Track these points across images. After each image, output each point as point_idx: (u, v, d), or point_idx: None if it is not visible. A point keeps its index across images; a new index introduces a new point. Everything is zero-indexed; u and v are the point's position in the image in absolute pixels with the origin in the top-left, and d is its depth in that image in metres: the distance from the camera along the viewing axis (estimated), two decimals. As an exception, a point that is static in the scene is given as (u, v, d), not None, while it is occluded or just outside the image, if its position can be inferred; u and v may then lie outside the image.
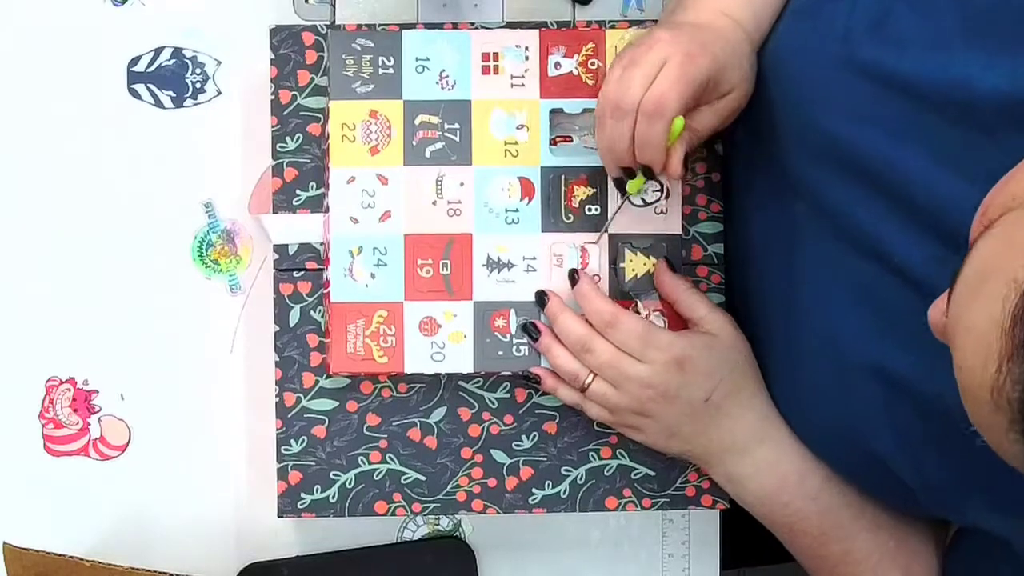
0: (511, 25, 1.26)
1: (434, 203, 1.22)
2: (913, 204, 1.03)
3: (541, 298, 1.21)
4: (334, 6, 1.28)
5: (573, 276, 1.21)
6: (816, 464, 1.20)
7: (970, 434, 0.82)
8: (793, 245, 1.16)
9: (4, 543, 1.22)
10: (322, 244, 1.24)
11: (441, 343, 1.22)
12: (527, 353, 1.22)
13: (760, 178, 1.21)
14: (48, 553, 1.21)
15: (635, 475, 1.26)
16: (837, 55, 1.07)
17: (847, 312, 1.11)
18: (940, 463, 1.07)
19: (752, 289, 1.24)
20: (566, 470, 1.26)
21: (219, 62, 1.29)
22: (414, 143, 1.22)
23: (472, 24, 1.26)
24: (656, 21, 1.25)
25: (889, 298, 1.07)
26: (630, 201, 1.22)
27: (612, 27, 1.24)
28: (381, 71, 1.22)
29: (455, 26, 1.25)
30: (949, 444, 1.03)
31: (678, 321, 1.22)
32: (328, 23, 1.27)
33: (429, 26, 1.25)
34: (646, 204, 1.22)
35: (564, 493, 1.26)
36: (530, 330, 1.21)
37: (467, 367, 1.22)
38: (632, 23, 1.26)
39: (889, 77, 1.03)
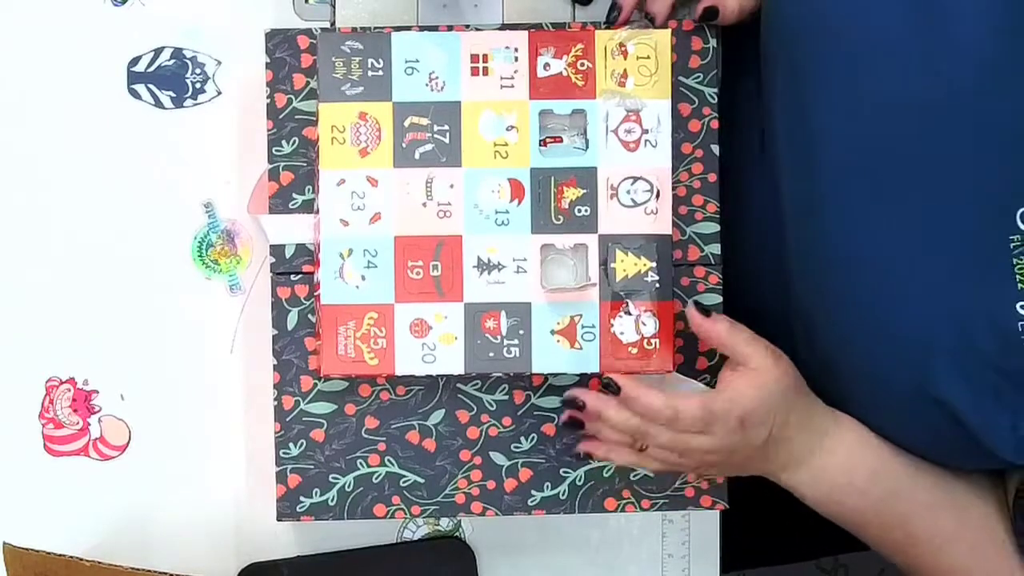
0: (504, 27, 1.25)
1: (424, 205, 1.21)
2: None
3: (611, 386, 1.17)
4: (334, 7, 1.28)
5: (610, 385, 1.17)
6: (860, 459, 1.19)
7: None
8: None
9: (4, 543, 1.22)
10: (315, 246, 1.24)
11: (432, 344, 1.21)
12: (518, 354, 1.21)
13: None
14: (48, 553, 1.21)
15: (634, 476, 1.26)
16: None
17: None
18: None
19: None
20: (565, 471, 1.26)
21: (219, 62, 1.29)
22: (404, 145, 1.21)
23: (467, 26, 1.25)
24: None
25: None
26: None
27: (607, 27, 1.23)
28: (370, 73, 1.21)
29: (450, 28, 1.24)
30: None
31: (670, 322, 1.21)
32: (329, 23, 1.27)
33: (428, 27, 1.25)
34: (636, 204, 1.21)
35: (563, 495, 1.26)
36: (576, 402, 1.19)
37: (458, 368, 1.22)
38: (630, 23, 1.25)
39: None
